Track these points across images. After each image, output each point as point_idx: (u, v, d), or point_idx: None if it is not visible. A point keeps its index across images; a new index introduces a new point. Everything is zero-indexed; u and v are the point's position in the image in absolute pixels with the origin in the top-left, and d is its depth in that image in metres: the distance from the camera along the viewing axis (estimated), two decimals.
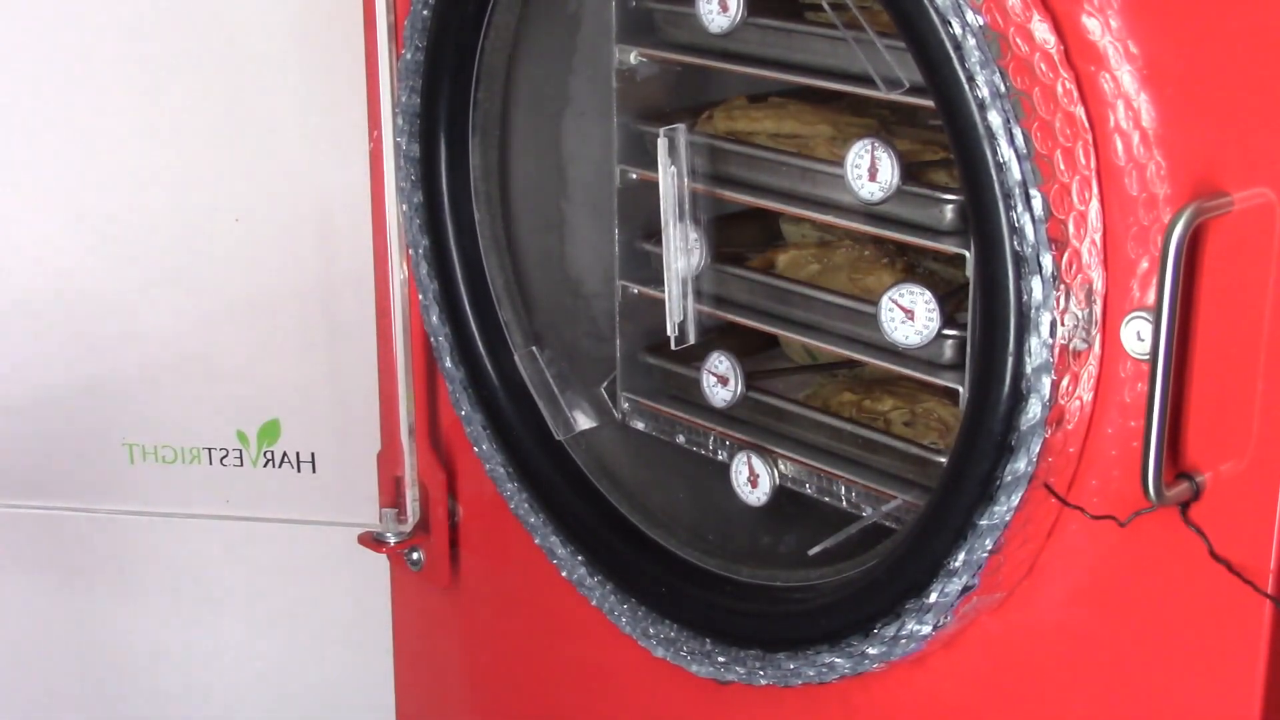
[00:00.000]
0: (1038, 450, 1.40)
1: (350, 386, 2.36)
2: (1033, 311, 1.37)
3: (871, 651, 1.57)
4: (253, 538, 2.48)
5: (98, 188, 2.33)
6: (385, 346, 2.07)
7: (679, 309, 1.79)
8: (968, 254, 1.51)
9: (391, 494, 2.13)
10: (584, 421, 1.93)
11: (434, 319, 1.93)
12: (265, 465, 2.43)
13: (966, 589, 1.48)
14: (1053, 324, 1.37)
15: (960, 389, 1.56)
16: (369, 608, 2.43)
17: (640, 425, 1.93)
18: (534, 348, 1.93)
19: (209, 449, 2.43)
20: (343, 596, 2.51)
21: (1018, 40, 1.35)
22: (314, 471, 2.43)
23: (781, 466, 1.78)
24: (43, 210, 2.35)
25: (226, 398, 2.41)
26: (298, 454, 2.43)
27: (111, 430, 2.43)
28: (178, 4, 2.26)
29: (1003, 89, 1.34)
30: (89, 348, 2.40)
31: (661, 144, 1.74)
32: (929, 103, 1.41)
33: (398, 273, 2.02)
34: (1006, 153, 1.35)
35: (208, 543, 2.50)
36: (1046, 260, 1.35)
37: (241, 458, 2.43)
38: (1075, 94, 1.37)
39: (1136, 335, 1.39)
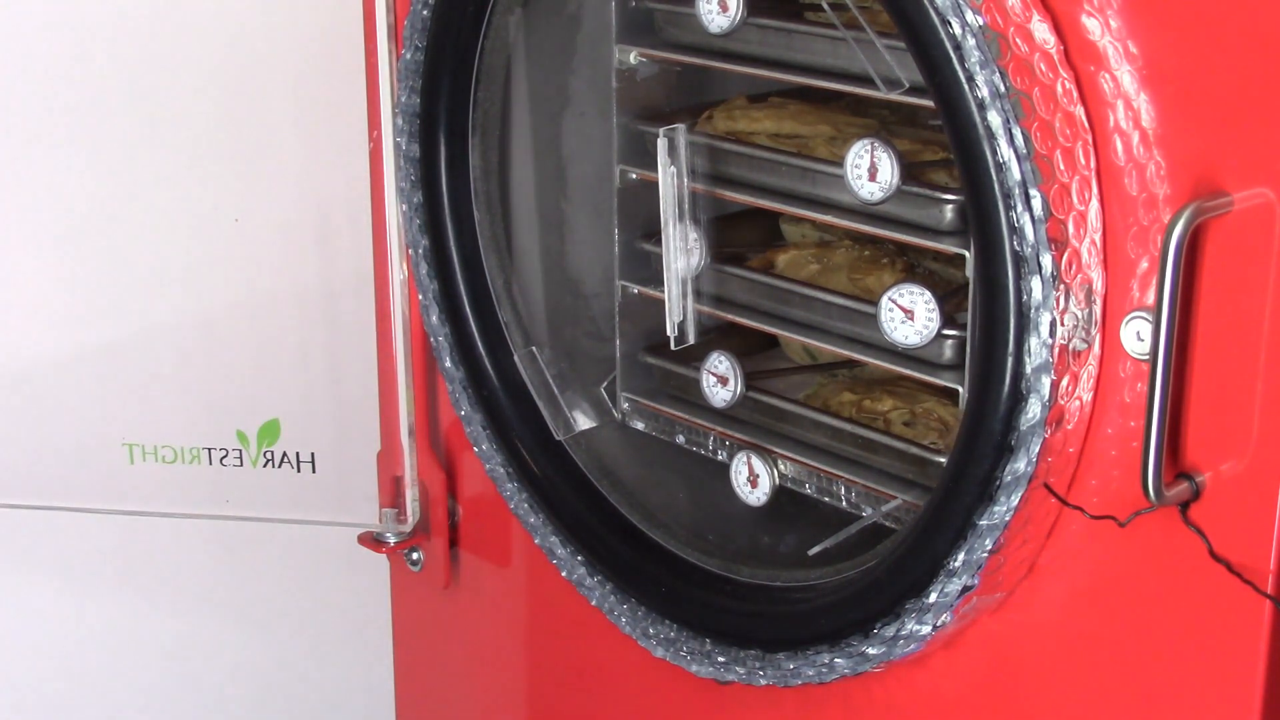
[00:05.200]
0: (1037, 450, 1.40)
1: (350, 386, 2.36)
2: (1032, 311, 1.37)
3: (871, 651, 1.57)
4: (253, 538, 2.48)
5: (98, 187, 2.34)
6: (385, 346, 2.07)
7: (679, 309, 1.79)
8: (968, 254, 1.51)
9: (391, 494, 2.13)
10: (584, 421, 1.93)
11: (434, 319, 1.94)
12: (265, 465, 2.44)
13: (966, 589, 1.48)
14: (1052, 324, 1.37)
15: (960, 389, 1.56)
16: (369, 608, 2.43)
17: (640, 425, 1.94)
18: (534, 348, 1.93)
19: (209, 449, 2.44)
20: (343, 596, 2.51)
21: (1017, 40, 1.35)
22: (314, 471, 2.44)
23: (781, 466, 1.78)
24: (43, 210, 2.35)
25: (226, 398, 2.42)
26: (298, 454, 2.43)
27: (111, 430, 2.43)
28: (178, 5, 2.26)
29: (1003, 89, 1.34)
30: (89, 348, 2.40)
31: (661, 144, 1.74)
32: (929, 103, 1.41)
33: (398, 273, 2.02)
34: (1006, 153, 1.35)
35: (208, 543, 2.50)
36: (1046, 260, 1.35)
37: (241, 458, 2.44)
38: (1075, 94, 1.37)
39: (1136, 335, 1.39)
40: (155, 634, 2.56)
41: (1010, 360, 1.39)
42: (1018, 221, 1.35)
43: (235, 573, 2.51)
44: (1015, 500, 1.43)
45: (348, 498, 2.42)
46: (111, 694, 2.59)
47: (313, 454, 2.43)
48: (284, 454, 2.43)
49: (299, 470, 2.43)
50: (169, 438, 2.43)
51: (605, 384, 1.95)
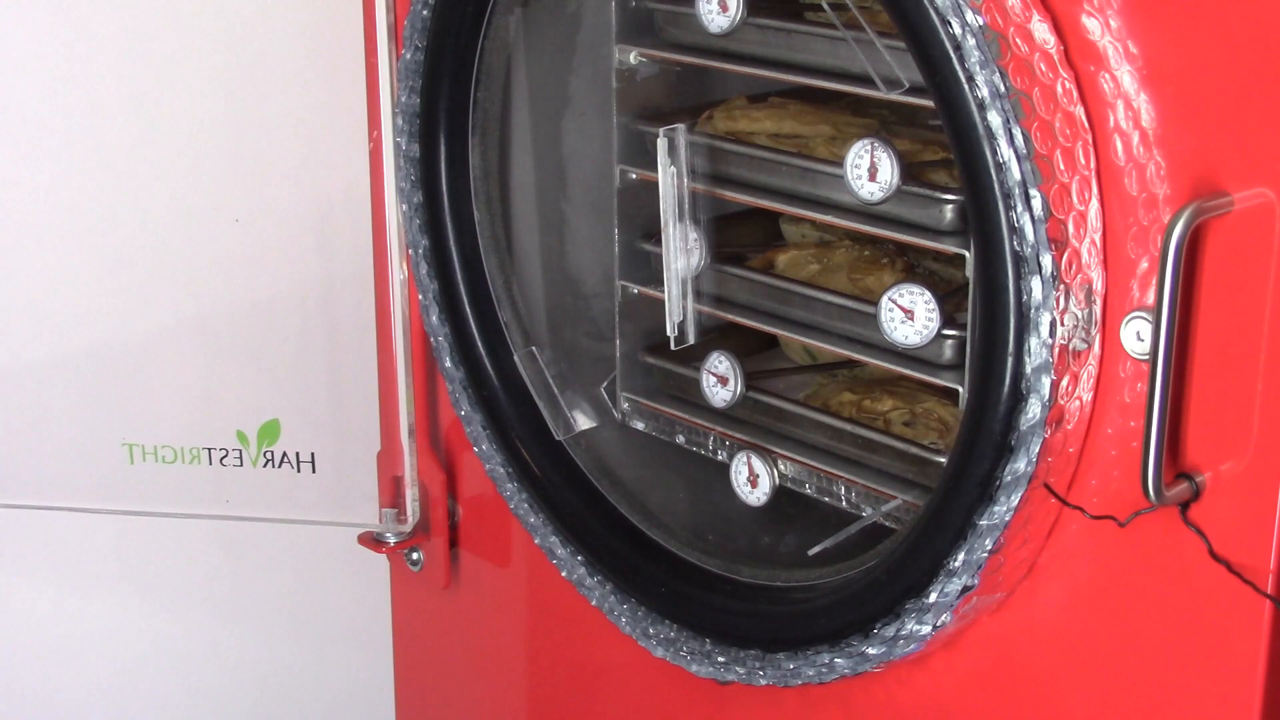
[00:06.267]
0: (1037, 450, 1.40)
1: (350, 386, 2.36)
2: (1032, 311, 1.37)
3: (871, 651, 1.57)
4: (253, 538, 2.48)
5: (98, 187, 2.33)
6: (385, 346, 2.07)
7: (679, 309, 1.79)
8: (968, 254, 1.51)
9: (391, 494, 2.13)
10: (584, 421, 1.93)
11: (434, 319, 1.94)
12: (265, 465, 2.43)
13: (966, 589, 1.48)
14: (1052, 324, 1.37)
15: (960, 389, 1.56)
16: (369, 608, 2.43)
17: (640, 425, 1.93)
18: (534, 348, 1.93)
19: (209, 449, 2.43)
20: (343, 596, 2.51)
21: (1017, 40, 1.35)
22: (314, 471, 2.43)
23: (781, 466, 1.78)
24: (43, 210, 2.35)
25: (226, 398, 2.41)
26: (298, 454, 2.43)
27: (111, 430, 2.43)
28: (178, 4, 2.26)
29: (1003, 89, 1.34)
30: (89, 348, 2.40)
31: (661, 144, 1.74)
32: (929, 103, 1.41)
33: (398, 273, 2.02)
34: (1006, 153, 1.35)
35: (207, 543, 2.50)
36: (1046, 260, 1.35)
37: (241, 458, 2.43)
38: (1075, 94, 1.37)
39: (1136, 335, 1.39)
40: (155, 634, 2.55)
41: (1010, 360, 1.39)
42: (1018, 221, 1.35)
43: (235, 573, 2.51)
44: (1015, 500, 1.43)
45: (348, 498, 2.42)
46: (111, 694, 2.59)
47: (313, 454, 2.42)
48: (284, 454, 2.43)
49: (299, 470, 2.43)
50: (169, 438, 2.43)
51: (605, 384, 1.95)
